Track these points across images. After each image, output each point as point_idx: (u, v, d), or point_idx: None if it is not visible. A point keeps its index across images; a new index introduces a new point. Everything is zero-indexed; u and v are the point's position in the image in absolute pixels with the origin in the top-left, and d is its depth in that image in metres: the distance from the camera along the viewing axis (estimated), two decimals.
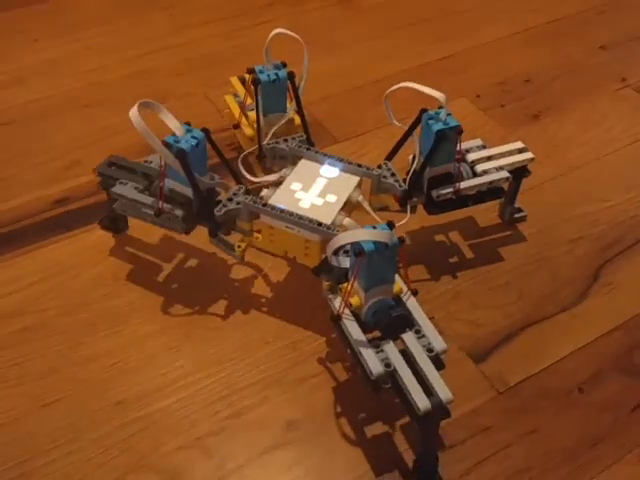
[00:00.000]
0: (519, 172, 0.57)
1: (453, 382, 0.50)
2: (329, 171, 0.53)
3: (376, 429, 0.48)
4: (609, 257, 0.60)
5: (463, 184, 0.53)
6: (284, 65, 0.56)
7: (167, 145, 0.48)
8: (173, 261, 0.59)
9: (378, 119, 0.72)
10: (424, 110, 0.51)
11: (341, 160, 0.53)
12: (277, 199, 0.51)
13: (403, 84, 0.51)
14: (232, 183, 0.53)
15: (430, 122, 0.51)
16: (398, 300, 0.45)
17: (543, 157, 0.70)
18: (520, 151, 0.57)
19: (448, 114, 0.51)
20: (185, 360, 0.52)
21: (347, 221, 0.49)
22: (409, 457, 0.46)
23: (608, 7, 0.92)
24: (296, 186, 0.52)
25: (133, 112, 0.46)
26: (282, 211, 0.49)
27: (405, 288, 0.45)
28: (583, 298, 0.56)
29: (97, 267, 0.58)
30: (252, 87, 0.55)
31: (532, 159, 0.56)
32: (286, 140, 0.55)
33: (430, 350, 0.42)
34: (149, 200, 0.51)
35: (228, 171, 0.53)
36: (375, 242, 0.41)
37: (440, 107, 0.51)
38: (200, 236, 0.61)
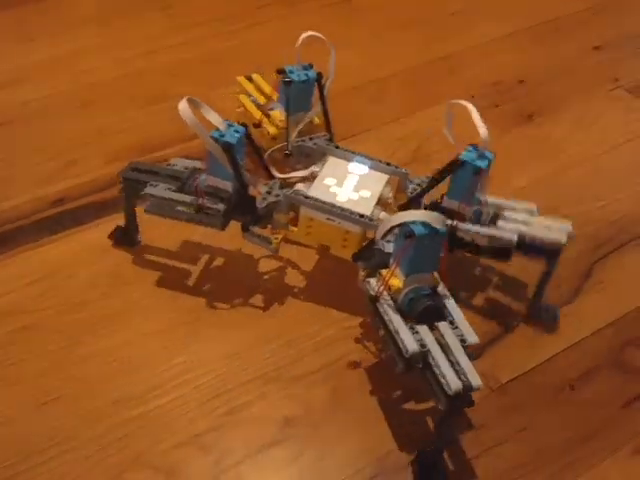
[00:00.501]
0: (550, 253, 0.51)
1: None
2: (358, 168, 0.54)
3: (374, 426, 0.49)
4: (601, 256, 0.61)
5: (460, 224, 0.51)
6: (311, 66, 0.58)
7: (214, 139, 0.50)
8: (169, 261, 0.59)
9: (375, 119, 0.73)
10: (474, 145, 0.50)
11: (369, 158, 0.54)
12: (314, 193, 0.52)
13: (464, 102, 0.49)
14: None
15: (465, 152, 0.49)
16: (434, 291, 0.45)
17: (536, 157, 0.70)
18: (560, 231, 0.50)
19: (486, 157, 0.49)
20: (182, 358, 0.52)
21: (384, 215, 0.50)
22: (407, 453, 0.47)
23: (602, 8, 0.93)
24: (330, 181, 0.53)
25: (183, 107, 0.48)
26: (325, 203, 0.50)
27: (441, 282, 0.45)
28: (575, 296, 0.57)
29: (94, 266, 0.59)
30: (280, 87, 0.57)
31: (560, 243, 0.50)
32: (312, 139, 0.57)
33: (463, 341, 0.43)
34: (187, 198, 0.53)
35: (261, 166, 0.54)
36: (425, 227, 0.41)
37: (487, 145, 0.49)
38: (199, 235, 0.61)
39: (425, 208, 0.52)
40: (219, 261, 0.60)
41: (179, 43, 0.85)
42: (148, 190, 0.54)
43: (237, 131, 0.50)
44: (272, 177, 0.55)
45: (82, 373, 0.51)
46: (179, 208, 0.53)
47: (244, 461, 0.47)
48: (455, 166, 0.49)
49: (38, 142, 0.71)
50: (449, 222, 0.50)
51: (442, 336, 0.43)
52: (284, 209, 0.52)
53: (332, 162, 0.55)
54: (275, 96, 0.61)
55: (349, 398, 0.50)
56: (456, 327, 0.44)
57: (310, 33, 0.57)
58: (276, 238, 0.53)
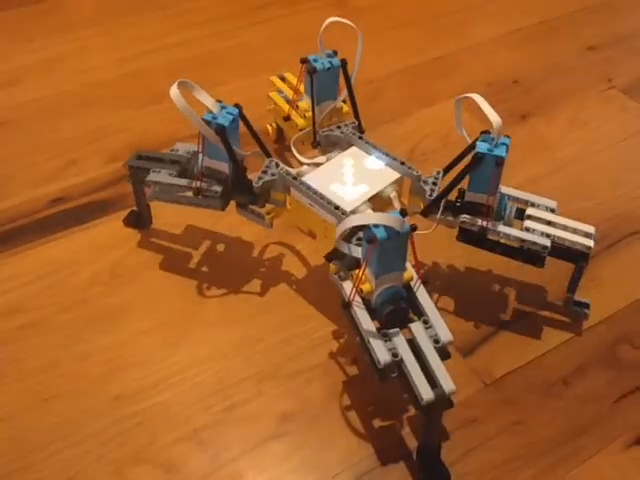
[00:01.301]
0: (579, 256, 0.52)
1: None
2: (374, 162, 0.54)
3: (370, 421, 0.49)
4: (594, 253, 0.61)
5: (492, 225, 0.50)
6: (335, 53, 0.58)
7: (206, 122, 0.50)
8: (169, 259, 0.60)
9: (370, 118, 0.73)
10: (485, 132, 0.49)
11: (387, 154, 0.53)
12: (311, 177, 0.52)
13: (472, 95, 0.49)
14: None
15: (479, 143, 0.49)
16: (408, 288, 0.45)
17: (531, 157, 0.71)
18: (586, 235, 0.52)
19: (503, 143, 0.49)
20: (181, 356, 0.53)
21: (369, 212, 0.50)
22: (402, 447, 0.48)
23: (596, 8, 0.93)
24: (334, 170, 0.53)
25: (174, 91, 0.48)
26: (308, 187, 0.50)
27: (416, 276, 0.46)
28: (569, 293, 0.58)
29: (94, 265, 0.59)
30: (306, 76, 0.57)
31: (590, 248, 0.51)
32: (339, 127, 0.57)
33: (437, 341, 0.43)
34: (185, 182, 0.53)
35: (258, 145, 0.55)
36: (387, 229, 0.41)
37: (502, 133, 0.49)
38: (198, 234, 0.62)
39: (450, 204, 0.51)
40: (217, 259, 0.60)
41: (178, 43, 0.85)
42: (150, 177, 0.55)
43: (230, 112, 0.51)
44: (269, 156, 0.55)
45: (82, 370, 0.52)
46: (180, 193, 0.54)
47: (242, 456, 0.47)
48: (477, 161, 0.48)
49: (38, 142, 0.72)
50: (479, 223, 0.50)
51: (415, 338, 0.43)
52: (280, 188, 0.53)
53: (351, 152, 0.55)
54: (303, 88, 0.61)
55: (345, 394, 0.51)
56: (430, 326, 0.44)
57: (335, 19, 0.56)
58: (268, 213, 0.54)
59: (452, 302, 0.57)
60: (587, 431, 0.49)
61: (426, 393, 0.41)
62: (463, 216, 0.51)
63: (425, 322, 0.44)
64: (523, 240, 0.50)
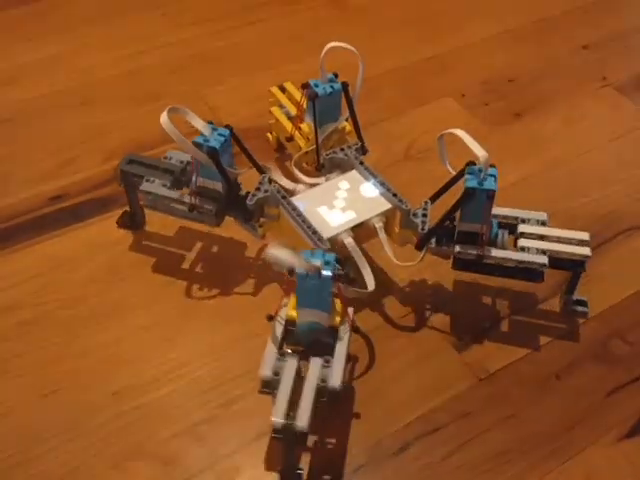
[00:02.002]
0: (576, 265, 0.52)
1: (437, 370, 0.53)
2: (368, 190, 0.54)
3: (363, 416, 0.50)
4: None
5: (488, 251, 0.50)
6: (336, 76, 0.58)
7: (198, 145, 0.51)
8: (167, 256, 0.61)
9: (367, 117, 0.73)
10: (470, 163, 0.49)
11: (383, 184, 0.53)
12: (301, 197, 0.53)
13: (455, 131, 0.48)
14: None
15: (467, 176, 0.49)
16: (334, 331, 0.46)
17: (525, 155, 0.72)
18: (580, 242, 0.52)
19: (492, 175, 0.49)
20: (179, 352, 0.54)
21: (348, 241, 0.51)
22: (396, 442, 0.49)
23: (591, 8, 0.94)
24: (327, 192, 0.54)
25: (164, 118, 0.49)
26: (294, 208, 0.51)
27: (346, 325, 0.47)
28: (561, 290, 0.59)
29: (93, 262, 0.60)
30: (307, 101, 0.57)
31: (587, 257, 0.51)
32: (342, 149, 0.57)
33: (323, 380, 0.44)
34: (179, 196, 0.54)
35: (252, 164, 0.56)
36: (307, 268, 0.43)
37: (490, 165, 0.49)
38: (196, 233, 0.63)
39: (440, 234, 0.51)
40: (214, 256, 0.61)
41: (176, 42, 0.86)
42: (144, 187, 0.55)
43: (221, 134, 0.52)
44: (262, 172, 0.56)
45: (81, 366, 0.52)
46: (174, 205, 0.55)
47: (239, 450, 0.48)
48: (468, 196, 0.48)
49: (37, 140, 0.72)
50: (474, 252, 0.50)
51: (307, 371, 0.44)
52: (273, 203, 0.54)
53: (349, 176, 0.55)
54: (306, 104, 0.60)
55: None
56: (327, 367, 0.44)
57: (335, 44, 0.56)
58: (261, 225, 0.55)
59: (446, 298, 0.58)
60: (579, 424, 0.50)
61: (278, 416, 0.42)
62: (457, 248, 0.51)
63: (326, 362, 0.45)
64: (520, 262, 0.50)
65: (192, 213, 0.55)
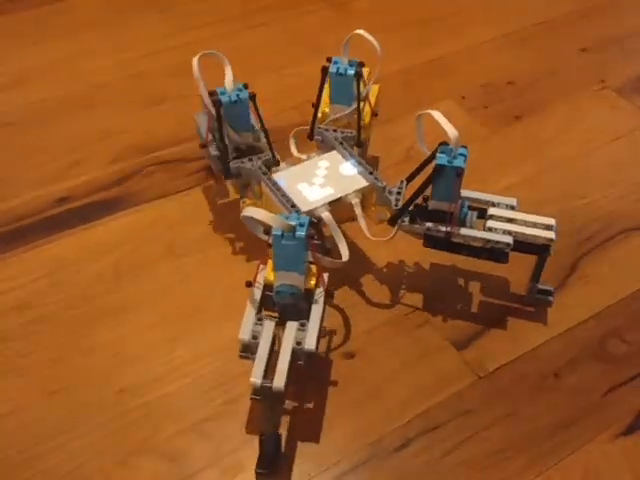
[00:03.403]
0: (541, 249, 0.53)
1: (437, 368, 0.54)
2: (347, 168, 0.56)
3: (366, 412, 0.51)
4: (586, 251, 0.63)
5: (456, 230, 0.52)
6: (361, 64, 0.58)
7: (212, 93, 0.55)
8: (170, 257, 0.62)
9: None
10: (443, 143, 0.51)
11: (361, 163, 0.56)
12: (283, 175, 0.55)
13: (431, 112, 0.51)
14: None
15: (439, 155, 0.50)
16: (307, 295, 0.47)
17: (524, 156, 0.73)
18: (547, 227, 0.53)
19: (462, 154, 0.50)
20: (183, 350, 0.54)
21: (325, 215, 0.52)
22: (398, 438, 0.49)
23: (589, 10, 0.95)
24: (307, 170, 0.56)
25: (194, 61, 0.55)
26: (274, 184, 0.53)
27: (321, 288, 0.48)
28: (560, 289, 0.59)
29: (98, 263, 0.61)
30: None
31: (551, 240, 0.52)
32: (335, 131, 0.59)
33: (299, 343, 0.45)
34: (203, 134, 0.58)
35: (265, 137, 0.57)
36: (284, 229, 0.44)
37: (459, 145, 0.50)
38: (196, 232, 0.64)
39: (413, 213, 0.53)
40: (215, 255, 0.62)
41: (179, 45, 0.87)
42: (197, 115, 0.61)
43: (238, 95, 0.55)
44: (271, 149, 0.57)
45: (88, 364, 0.53)
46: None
47: (242, 447, 0.49)
48: (438, 172, 0.50)
49: (42, 143, 0.73)
50: (443, 229, 0.52)
51: (283, 334, 0.46)
52: (255, 181, 0.56)
53: (330, 155, 0.57)
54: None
55: (342, 386, 0.52)
56: (303, 330, 0.46)
57: (357, 32, 0.57)
58: (244, 201, 0.57)
59: (446, 297, 0.59)
60: (577, 422, 0.51)
61: (256, 377, 0.43)
62: (427, 224, 0.53)
63: (302, 325, 0.46)
64: (487, 240, 0.52)
65: (204, 150, 0.58)
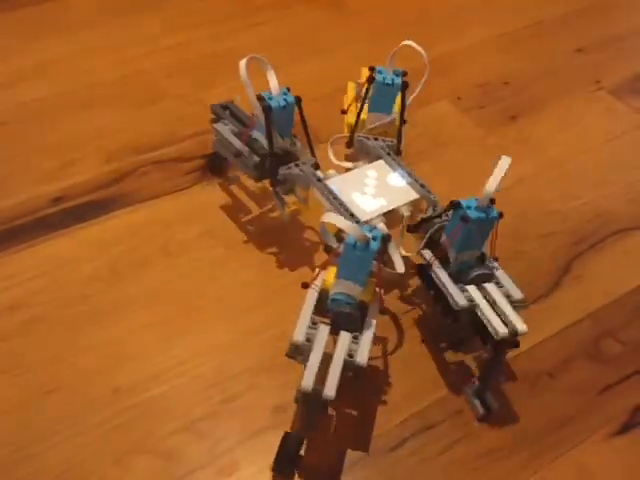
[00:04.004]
0: (488, 339, 0.47)
1: (430, 369, 0.54)
2: (396, 179, 0.55)
3: (361, 413, 0.51)
4: (580, 251, 0.63)
5: (436, 265, 0.49)
6: (404, 74, 0.59)
7: (260, 98, 0.54)
8: (165, 256, 0.61)
9: None
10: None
11: (410, 174, 0.55)
12: (335, 182, 0.54)
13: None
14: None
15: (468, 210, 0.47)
16: (360, 307, 0.47)
17: (520, 157, 0.73)
18: (512, 330, 0.46)
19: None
20: (179, 350, 0.54)
21: (381, 226, 0.52)
22: (392, 438, 0.50)
23: (585, 11, 0.95)
24: (357, 179, 0.55)
25: (242, 63, 0.54)
26: (330, 191, 0.53)
27: (379, 303, 0.48)
28: (554, 289, 0.60)
29: (94, 262, 0.61)
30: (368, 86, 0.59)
31: (499, 335, 0.46)
32: (376, 139, 0.58)
33: (350, 355, 0.45)
34: (236, 142, 0.57)
35: (307, 141, 0.57)
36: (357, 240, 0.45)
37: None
38: (191, 231, 0.64)
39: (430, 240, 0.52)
40: (214, 255, 0.62)
41: (176, 44, 0.86)
42: (216, 125, 0.59)
43: (285, 100, 0.54)
44: (313, 153, 0.57)
45: (83, 363, 0.53)
46: (230, 149, 0.58)
47: (238, 446, 0.49)
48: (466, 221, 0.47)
49: (37, 142, 0.73)
50: (428, 257, 0.50)
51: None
52: (303, 185, 0.55)
53: (378, 165, 0.56)
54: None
55: (339, 387, 0.52)
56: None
57: (405, 42, 0.58)
58: (289, 207, 0.56)
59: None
60: (571, 422, 0.51)
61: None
62: (424, 250, 0.51)
63: (355, 338, 0.46)
64: (446, 288, 0.48)
65: (236, 159, 0.57)
